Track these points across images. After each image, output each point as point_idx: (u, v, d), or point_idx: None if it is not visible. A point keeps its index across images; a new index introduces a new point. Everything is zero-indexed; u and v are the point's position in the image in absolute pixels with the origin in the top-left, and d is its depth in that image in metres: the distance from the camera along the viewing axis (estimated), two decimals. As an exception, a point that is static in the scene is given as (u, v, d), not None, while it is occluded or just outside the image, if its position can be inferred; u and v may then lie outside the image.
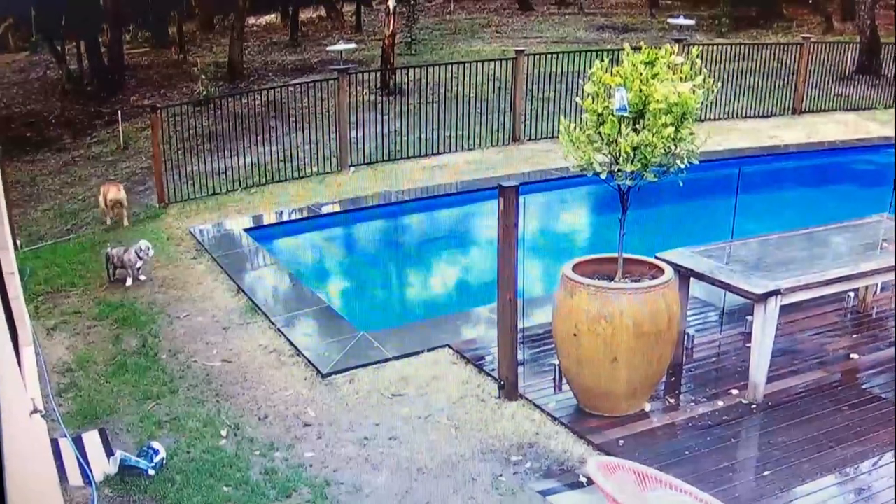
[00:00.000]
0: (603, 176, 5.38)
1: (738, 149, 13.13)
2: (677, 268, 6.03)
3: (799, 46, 15.85)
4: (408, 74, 16.49)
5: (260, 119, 13.27)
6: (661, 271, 5.70)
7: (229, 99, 14.72)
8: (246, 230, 10.04)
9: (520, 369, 6.15)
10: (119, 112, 17.04)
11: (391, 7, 18.03)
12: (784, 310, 5.87)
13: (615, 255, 5.75)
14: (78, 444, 5.56)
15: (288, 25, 29.10)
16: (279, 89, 14.97)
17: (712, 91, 5.41)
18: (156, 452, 5.37)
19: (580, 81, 6.24)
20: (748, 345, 6.14)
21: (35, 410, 4.38)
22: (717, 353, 6.73)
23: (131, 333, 7.44)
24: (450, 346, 6.92)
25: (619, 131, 5.25)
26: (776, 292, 5.69)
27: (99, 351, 7.13)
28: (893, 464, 5.14)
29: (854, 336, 6.97)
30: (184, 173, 11.56)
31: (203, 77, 18.96)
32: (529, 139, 13.79)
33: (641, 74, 5.22)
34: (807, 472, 5.11)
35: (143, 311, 7.86)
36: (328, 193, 11.31)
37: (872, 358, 6.59)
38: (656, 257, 6.06)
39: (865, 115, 15.63)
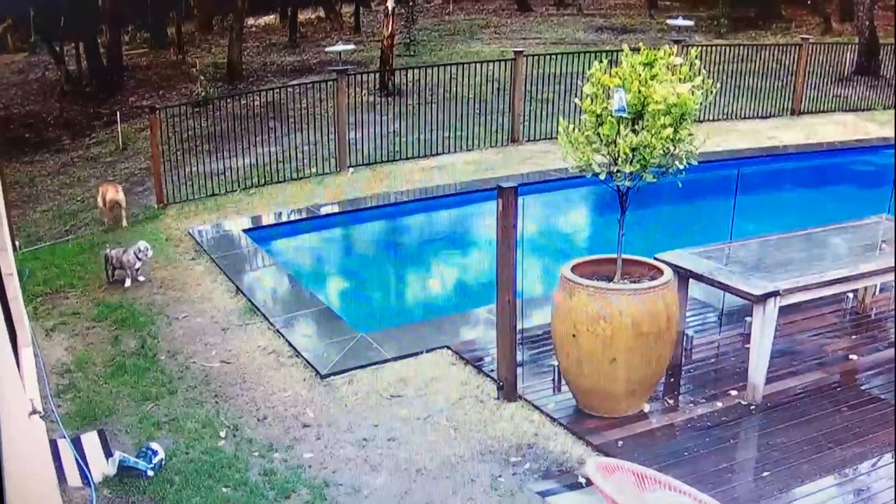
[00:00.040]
0: (602, 177, 5.38)
1: (737, 150, 13.14)
2: (676, 269, 6.03)
3: (798, 47, 15.86)
4: (407, 75, 16.51)
5: (259, 120, 13.27)
6: (660, 272, 5.70)
7: (228, 100, 14.73)
8: (245, 231, 10.04)
9: (519, 370, 6.15)
10: (118, 113, 17.04)
11: (390, 8, 18.04)
12: (783, 311, 5.88)
13: (614, 255, 5.75)
14: (77, 445, 5.55)
15: (287, 26, 29.11)
16: (278, 90, 14.96)
17: (711, 92, 5.41)
18: (154, 453, 5.37)
19: (579, 82, 6.24)
20: (747, 346, 6.14)
21: (34, 411, 4.38)
22: (716, 354, 6.73)
23: (130, 334, 7.44)
24: (449, 347, 6.92)
25: (618, 132, 5.25)
26: (775, 293, 5.69)
27: (98, 352, 7.12)
28: (893, 464, 5.15)
29: (853, 337, 6.97)
30: (182, 174, 11.56)
31: (202, 78, 18.97)
32: (528, 140, 13.80)
33: (640, 75, 5.22)
34: (806, 473, 5.10)
35: (141, 312, 7.86)
36: (327, 194, 11.31)
37: (871, 359, 6.59)
38: (655, 258, 6.06)
39: (864, 116, 15.65)
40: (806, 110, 15.75)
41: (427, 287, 10.15)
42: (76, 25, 22.98)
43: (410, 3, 23.95)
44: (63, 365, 6.90)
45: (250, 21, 30.01)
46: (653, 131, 5.17)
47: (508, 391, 6.09)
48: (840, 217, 7.30)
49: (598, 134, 5.36)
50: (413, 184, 11.71)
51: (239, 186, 11.69)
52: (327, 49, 17.74)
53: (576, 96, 5.71)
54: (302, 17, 30.94)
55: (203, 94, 17.03)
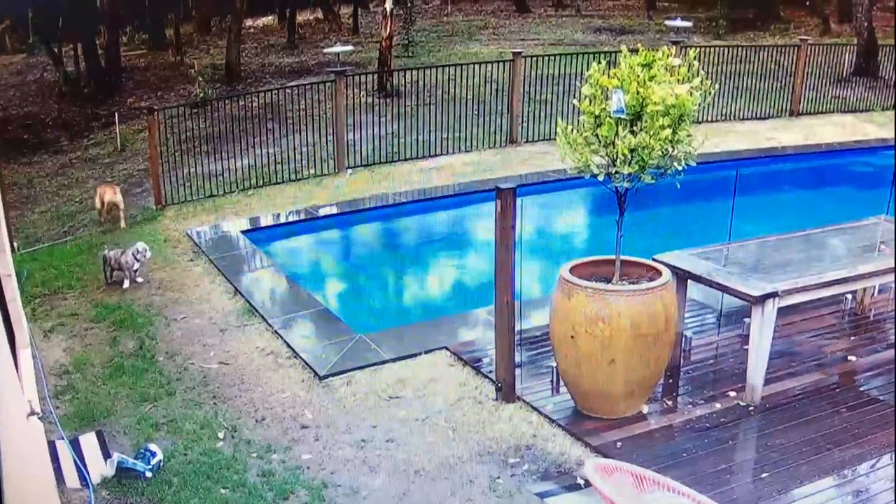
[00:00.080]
0: (600, 178, 5.38)
1: (736, 151, 13.15)
2: (675, 270, 6.04)
3: (796, 48, 15.87)
4: (405, 76, 16.50)
5: (257, 121, 13.27)
6: (659, 273, 5.70)
7: (226, 101, 14.73)
8: (243, 232, 10.04)
9: (517, 371, 6.14)
10: (116, 114, 17.02)
11: (388, 9, 18.05)
12: (782, 312, 5.88)
13: (613, 256, 5.75)
14: (75, 446, 5.54)
15: (285, 28, 29.10)
16: (276, 91, 14.96)
17: (709, 93, 5.41)
18: (153, 454, 5.36)
19: (577, 83, 6.23)
20: (746, 347, 6.14)
21: (32, 413, 4.37)
22: (715, 355, 6.73)
23: (128, 335, 7.43)
24: (447, 349, 6.91)
25: (617, 133, 5.25)
26: (774, 294, 5.69)
27: (96, 353, 7.12)
28: (892, 466, 5.14)
29: (852, 338, 6.97)
30: (181, 175, 11.55)
31: (200, 79, 18.96)
32: (527, 141, 13.81)
33: (639, 76, 5.22)
34: (805, 474, 5.10)
35: (140, 314, 7.85)
36: (325, 195, 11.30)
37: (870, 360, 6.59)
38: (654, 259, 6.06)
39: (863, 117, 15.66)
40: (804, 111, 15.77)
41: (425, 288, 10.15)
42: (75, 26, 22.96)
43: (409, 5, 23.95)
44: (61, 366, 6.89)
45: (249, 22, 30.01)
46: (651, 132, 5.17)
47: (507, 392, 6.09)
48: (839, 218, 7.30)
49: (597, 135, 5.36)
50: (411, 185, 11.71)
51: (237, 188, 11.68)
52: (326, 50, 17.72)
53: (574, 97, 5.71)
54: (300, 18, 30.93)
55: (201, 95, 17.02)
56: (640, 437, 5.60)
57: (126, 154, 15.65)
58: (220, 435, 5.81)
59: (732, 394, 6.05)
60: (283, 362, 6.87)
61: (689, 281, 6.25)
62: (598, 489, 4.20)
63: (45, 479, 4.60)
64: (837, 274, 6.00)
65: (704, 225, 9.71)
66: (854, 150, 13.62)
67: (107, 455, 5.48)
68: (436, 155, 13.09)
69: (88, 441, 5.69)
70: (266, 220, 10.62)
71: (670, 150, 5.28)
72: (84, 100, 21.58)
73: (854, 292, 7.23)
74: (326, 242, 11.01)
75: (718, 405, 5.93)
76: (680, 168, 5.37)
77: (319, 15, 32.52)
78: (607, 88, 5.29)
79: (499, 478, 5.28)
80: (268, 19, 32.83)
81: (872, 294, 7.40)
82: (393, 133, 13.70)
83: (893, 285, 7.21)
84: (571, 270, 5.72)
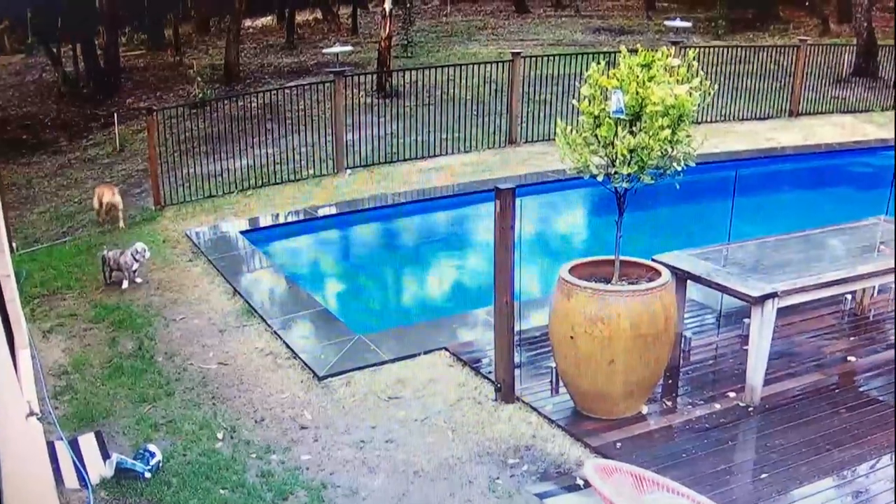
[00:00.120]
0: (599, 178, 5.37)
1: (735, 151, 13.15)
2: (674, 270, 6.03)
3: (796, 49, 15.87)
4: (404, 77, 16.50)
5: (256, 121, 13.28)
6: (658, 274, 5.70)
7: (225, 101, 14.73)
8: (242, 233, 10.03)
9: (516, 372, 6.14)
10: (115, 114, 17.01)
11: (387, 9, 18.05)
12: (781, 312, 5.88)
13: (612, 257, 5.75)
14: (74, 446, 5.54)
15: (284, 28, 29.10)
16: (275, 92, 14.96)
17: (709, 93, 5.40)
18: (152, 455, 5.35)
19: (577, 84, 6.22)
20: (745, 347, 6.14)
21: (31, 413, 4.36)
22: (714, 356, 6.73)
23: (127, 336, 7.42)
24: (446, 349, 6.91)
25: (616, 134, 5.25)
26: (773, 295, 5.69)
27: (95, 354, 7.11)
28: (892, 466, 5.14)
29: (851, 339, 6.97)
30: (180, 176, 11.55)
31: (199, 79, 18.94)
32: (526, 141, 13.80)
33: (638, 77, 5.22)
34: (804, 475, 5.10)
35: (139, 314, 7.84)
36: (324, 196, 11.30)
37: (870, 360, 6.59)
38: (653, 260, 6.06)
39: (862, 118, 15.67)
40: (804, 112, 15.77)
41: (425, 289, 10.14)
42: (73, 27, 22.95)
43: (408, 5, 23.97)
44: (60, 367, 6.89)
45: (247, 22, 30.02)
46: (650, 133, 5.17)
47: (506, 393, 6.08)
48: (838, 218, 7.30)
49: (596, 135, 5.36)
50: (410, 185, 11.70)
51: (236, 188, 11.68)
52: (325, 50, 17.72)
53: (573, 98, 5.71)
54: (299, 18, 30.94)
55: (200, 95, 17.01)
56: (640, 437, 5.60)
57: (125, 154, 15.64)
58: (220, 435, 5.81)
59: (732, 394, 6.05)
60: (282, 363, 6.87)
61: (688, 281, 6.25)
62: (597, 490, 4.20)
63: (44, 479, 4.60)
64: (837, 274, 6.00)
65: (704, 225, 9.72)
66: (853, 150, 13.63)
67: (106, 455, 5.47)
68: (435, 155, 13.09)
69: (87, 441, 5.68)
70: (265, 221, 10.62)
71: (669, 150, 5.28)
72: (83, 100, 21.57)
73: (854, 293, 7.22)
74: (326, 243, 11.01)
75: (718, 406, 5.92)
76: (679, 168, 5.37)
77: (318, 15, 32.52)
78: (606, 89, 5.29)
79: (498, 478, 5.27)
80: (267, 19, 32.83)
81: (872, 294, 7.39)
82: (392, 133, 13.70)
83: (893, 286, 7.21)
84: (571, 271, 5.72)
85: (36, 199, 13.70)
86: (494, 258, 5.81)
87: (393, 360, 6.76)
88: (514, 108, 13.73)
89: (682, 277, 6.17)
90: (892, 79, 16.96)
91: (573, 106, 5.61)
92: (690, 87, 5.27)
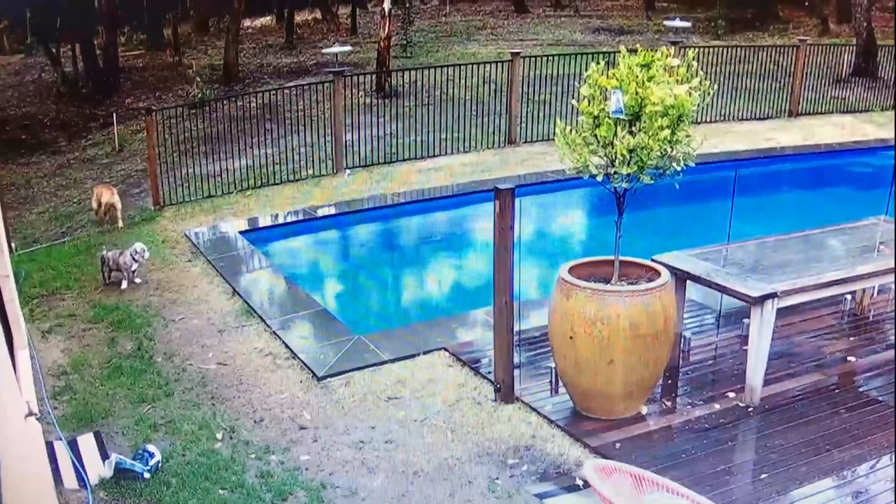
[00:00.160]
0: (599, 178, 5.37)
1: (735, 151, 13.16)
2: (674, 270, 6.03)
3: (795, 49, 15.87)
4: (403, 77, 16.49)
5: (255, 122, 13.27)
6: (658, 274, 5.70)
7: (224, 101, 14.70)
8: (241, 233, 10.03)
9: (516, 372, 6.13)
10: (114, 114, 17.00)
11: (386, 9, 18.05)
12: (781, 312, 5.87)
13: (611, 257, 5.75)
14: (73, 447, 5.53)
15: (283, 28, 29.11)
16: (274, 92, 14.96)
17: (708, 93, 5.40)
18: (151, 455, 5.35)
19: (576, 84, 6.22)
20: (745, 347, 6.14)
21: (30, 413, 4.36)
22: (714, 356, 6.73)
23: (126, 336, 7.42)
24: (446, 349, 6.91)
25: (615, 134, 5.25)
26: (773, 295, 5.68)
27: (94, 354, 7.10)
28: (892, 466, 5.14)
29: (851, 339, 6.97)
30: (179, 176, 11.55)
31: (198, 79, 18.94)
32: (525, 142, 13.80)
33: (637, 77, 5.21)
34: (804, 475, 5.10)
35: (138, 314, 7.84)
36: (323, 196, 11.29)
37: (870, 361, 6.58)
38: (653, 260, 6.05)
39: (862, 118, 15.67)
40: (803, 112, 15.77)
41: (424, 289, 10.14)
42: (73, 27, 22.95)
43: (407, 5, 23.97)
44: (59, 367, 6.88)
45: (247, 23, 30.02)
46: (650, 133, 5.17)
47: (506, 393, 6.08)
48: (838, 219, 7.30)
49: (595, 135, 5.35)
50: (410, 185, 11.70)
51: (235, 188, 11.68)
52: (324, 50, 17.74)
53: (573, 98, 5.70)
54: (298, 18, 30.94)
55: (199, 95, 17.01)
56: (639, 437, 5.59)
57: (124, 154, 15.63)
58: (219, 436, 5.80)
59: (731, 395, 6.05)
60: (281, 363, 6.86)
61: (688, 281, 6.25)
62: (597, 490, 4.19)
63: (44, 479, 4.59)
64: (836, 275, 6.00)
65: (703, 225, 9.71)
66: (853, 150, 13.63)
67: (105, 456, 5.47)
68: (434, 155, 13.09)
69: (86, 442, 5.68)
70: (264, 221, 10.62)
71: (669, 150, 5.28)
72: (82, 100, 21.57)
73: (853, 293, 7.22)
74: (325, 243, 11.01)
75: (717, 406, 5.92)
76: (679, 168, 5.37)
77: (318, 15, 32.53)
78: (606, 89, 5.29)
79: (497, 479, 5.27)
80: (266, 19, 32.83)
81: (872, 295, 7.39)
82: (391, 133, 13.69)
83: (893, 286, 7.21)
84: (570, 271, 5.71)
85: (35, 200, 13.69)
86: (494, 258, 5.81)
87: (392, 361, 6.75)
88: (513, 109, 13.72)
89: (681, 278, 6.17)
90: (892, 79, 16.96)
91: (572, 106, 5.61)
92: (690, 87, 5.26)
